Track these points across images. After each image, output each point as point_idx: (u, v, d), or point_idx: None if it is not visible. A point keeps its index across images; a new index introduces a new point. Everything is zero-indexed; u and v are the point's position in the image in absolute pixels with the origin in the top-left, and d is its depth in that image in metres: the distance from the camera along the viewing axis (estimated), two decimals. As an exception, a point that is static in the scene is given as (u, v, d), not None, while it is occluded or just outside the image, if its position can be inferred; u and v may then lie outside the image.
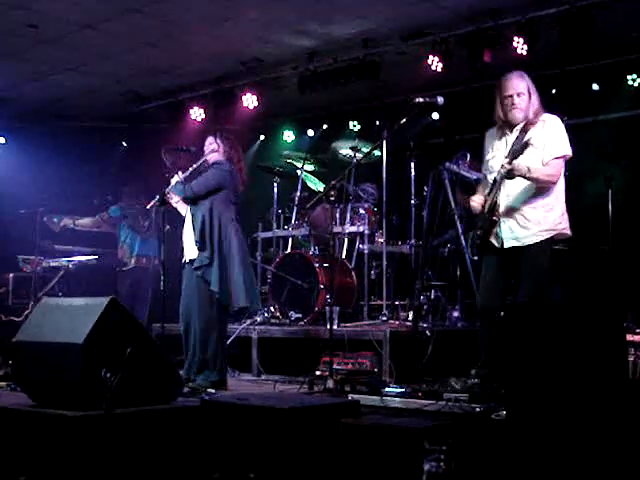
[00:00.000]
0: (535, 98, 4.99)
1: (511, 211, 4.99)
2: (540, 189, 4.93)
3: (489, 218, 5.02)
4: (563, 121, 5.02)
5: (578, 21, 6.74)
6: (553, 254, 5.90)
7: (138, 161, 9.65)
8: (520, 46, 7.07)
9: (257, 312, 6.96)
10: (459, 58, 7.40)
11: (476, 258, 5.23)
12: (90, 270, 8.80)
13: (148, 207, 6.15)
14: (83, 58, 8.34)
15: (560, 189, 5.01)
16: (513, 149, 4.90)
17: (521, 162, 4.85)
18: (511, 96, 4.99)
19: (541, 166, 4.90)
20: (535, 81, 5.11)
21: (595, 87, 8.07)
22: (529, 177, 4.88)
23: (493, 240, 5.05)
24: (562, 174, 5.01)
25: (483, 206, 5.10)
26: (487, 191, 5.11)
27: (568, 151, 4.98)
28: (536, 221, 4.93)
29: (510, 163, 4.83)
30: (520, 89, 4.99)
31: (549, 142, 4.92)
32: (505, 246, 5.00)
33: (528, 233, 4.94)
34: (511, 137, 5.05)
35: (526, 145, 4.83)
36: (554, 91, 8.17)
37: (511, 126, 5.06)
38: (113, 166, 10.41)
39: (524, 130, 4.95)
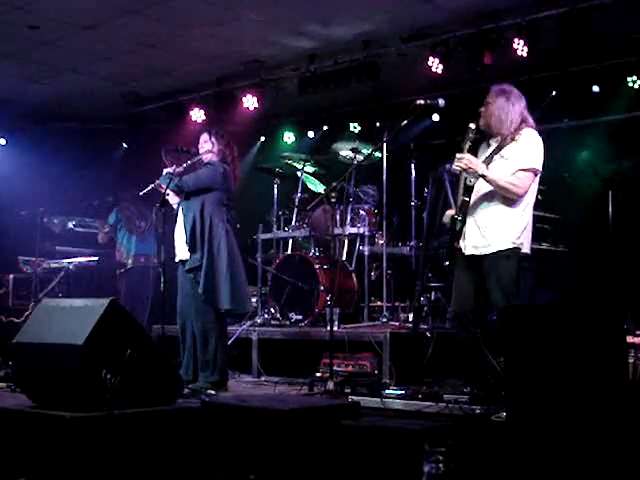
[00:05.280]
0: (505, 112, 4.90)
1: (476, 216, 4.96)
2: (505, 199, 4.86)
3: (457, 216, 5.00)
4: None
5: (578, 23, 6.75)
6: (555, 256, 5.93)
7: (138, 162, 9.65)
8: (520, 48, 7.08)
9: (246, 314, 6.88)
10: (459, 60, 7.41)
11: (447, 263, 5.23)
12: (90, 271, 8.81)
13: (141, 193, 6.10)
14: (83, 59, 8.36)
15: (527, 205, 4.92)
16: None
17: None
18: (483, 104, 5.05)
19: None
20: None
21: (595, 89, 8.07)
22: (487, 178, 4.83)
23: (460, 245, 5.03)
24: (532, 191, 4.92)
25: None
26: (459, 193, 5.08)
27: (536, 165, 4.87)
28: (493, 231, 4.88)
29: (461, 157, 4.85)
30: (487, 99, 5.02)
31: (518, 154, 4.86)
32: (466, 253, 5.00)
33: (485, 242, 4.90)
34: (489, 149, 5.06)
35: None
36: (554, 93, 8.19)
37: (490, 137, 5.08)
38: (113, 167, 10.42)
39: (500, 146, 4.94)
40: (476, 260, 4.97)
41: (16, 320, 8.18)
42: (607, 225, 6.85)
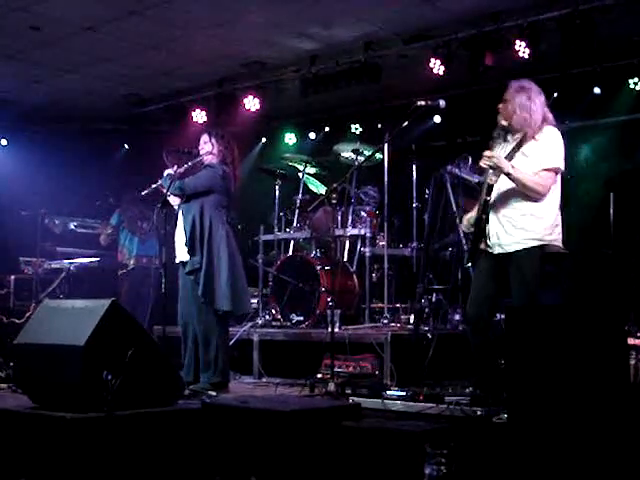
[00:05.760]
0: (528, 111, 4.88)
1: (499, 214, 4.93)
2: (528, 197, 4.84)
3: (480, 216, 4.98)
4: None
5: (580, 25, 6.74)
6: (556, 257, 5.88)
7: (139, 163, 9.65)
8: (522, 49, 7.07)
9: (246, 315, 6.86)
10: (461, 61, 7.40)
11: (469, 265, 5.20)
12: (91, 272, 8.80)
13: (142, 194, 6.10)
14: (85, 60, 8.35)
15: (553, 201, 4.90)
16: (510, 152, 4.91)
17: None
18: (501, 100, 5.01)
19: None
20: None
21: (597, 90, 8.07)
22: (512, 176, 4.81)
23: (483, 245, 5.00)
24: (556, 188, 4.91)
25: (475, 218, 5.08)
26: (482, 193, 5.05)
27: (560, 165, 4.87)
28: (522, 228, 4.85)
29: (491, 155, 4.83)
30: (506, 96, 4.97)
31: (541, 153, 4.84)
32: (494, 252, 4.96)
33: (512, 240, 4.87)
34: (509, 145, 5.01)
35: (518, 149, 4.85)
36: (556, 94, 8.18)
37: (509, 132, 5.02)
38: (115, 168, 10.42)
39: (520, 143, 4.90)
40: (501, 259, 4.92)
41: (17, 321, 8.17)
42: (608, 226, 6.85)
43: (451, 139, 8.91)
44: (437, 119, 9.01)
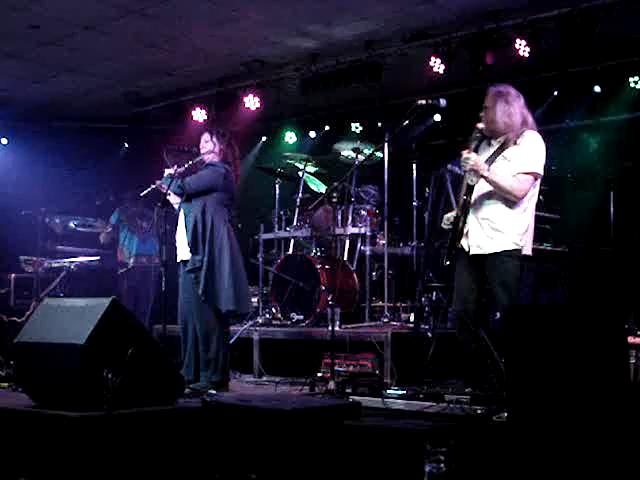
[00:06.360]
0: (507, 115, 4.90)
1: (478, 216, 4.96)
2: (506, 200, 4.87)
3: (460, 216, 4.99)
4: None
5: (579, 23, 6.75)
6: (556, 256, 5.91)
7: (140, 162, 9.65)
8: (522, 48, 7.08)
9: (247, 314, 6.87)
10: (461, 60, 7.41)
11: (448, 263, 5.21)
12: (92, 271, 8.81)
13: (141, 195, 6.09)
14: (84, 59, 8.36)
15: (529, 207, 4.94)
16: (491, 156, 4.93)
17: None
18: (482, 108, 5.04)
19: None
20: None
21: (597, 89, 8.07)
22: (489, 179, 4.84)
23: (462, 244, 5.02)
24: (533, 195, 4.94)
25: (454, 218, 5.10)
26: (461, 192, 5.09)
27: (537, 169, 4.88)
28: (499, 231, 4.89)
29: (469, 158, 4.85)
30: (486, 103, 5.00)
31: (520, 157, 4.86)
32: (470, 252, 4.99)
33: (489, 242, 4.90)
34: (492, 149, 5.01)
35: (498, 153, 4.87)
36: (556, 93, 8.20)
37: (493, 137, 5.04)
38: (114, 167, 10.42)
39: (502, 146, 4.92)
40: (479, 259, 4.97)
41: (18, 320, 8.16)
42: (608, 225, 6.85)
43: (451, 138, 8.90)
44: (437, 118, 9.02)
